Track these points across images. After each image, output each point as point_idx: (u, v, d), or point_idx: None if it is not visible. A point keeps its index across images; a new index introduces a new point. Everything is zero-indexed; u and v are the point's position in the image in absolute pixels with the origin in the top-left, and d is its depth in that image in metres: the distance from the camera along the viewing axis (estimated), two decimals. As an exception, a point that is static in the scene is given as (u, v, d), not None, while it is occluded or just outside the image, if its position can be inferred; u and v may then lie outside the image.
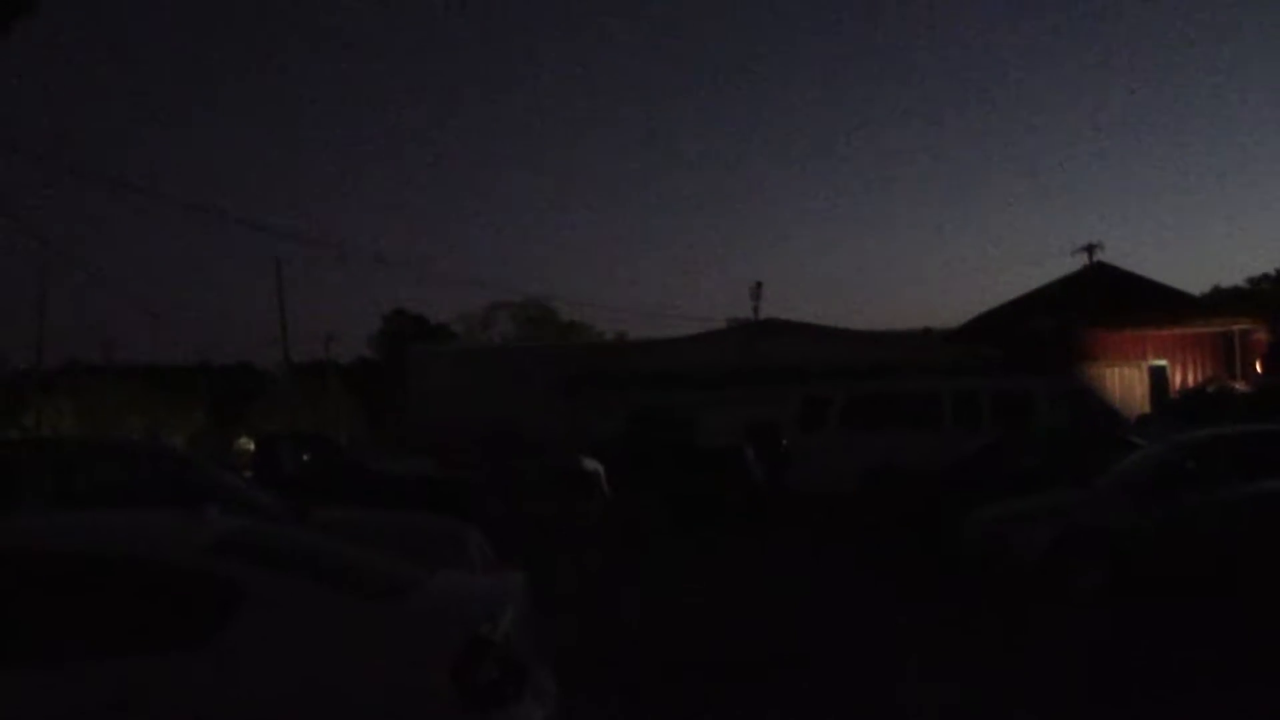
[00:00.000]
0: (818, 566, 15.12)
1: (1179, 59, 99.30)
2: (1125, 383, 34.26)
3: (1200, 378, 33.42)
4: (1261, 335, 33.82)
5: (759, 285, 45.36)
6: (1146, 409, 31.40)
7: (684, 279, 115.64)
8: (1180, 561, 11.38)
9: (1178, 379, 34.03)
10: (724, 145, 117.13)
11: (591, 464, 21.97)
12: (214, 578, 4.94)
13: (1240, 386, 29.96)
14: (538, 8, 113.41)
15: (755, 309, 44.60)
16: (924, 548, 15.04)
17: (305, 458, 19.99)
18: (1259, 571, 11.03)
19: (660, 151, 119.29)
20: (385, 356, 69.67)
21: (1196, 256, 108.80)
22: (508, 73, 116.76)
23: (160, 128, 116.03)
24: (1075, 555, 11.62)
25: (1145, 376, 34.30)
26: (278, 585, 5.02)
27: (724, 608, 12.21)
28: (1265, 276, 54.55)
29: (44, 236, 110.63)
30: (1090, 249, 40.76)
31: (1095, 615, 10.84)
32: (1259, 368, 33.09)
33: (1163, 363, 34.33)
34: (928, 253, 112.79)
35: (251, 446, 20.68)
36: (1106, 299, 36.29)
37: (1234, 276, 78.53)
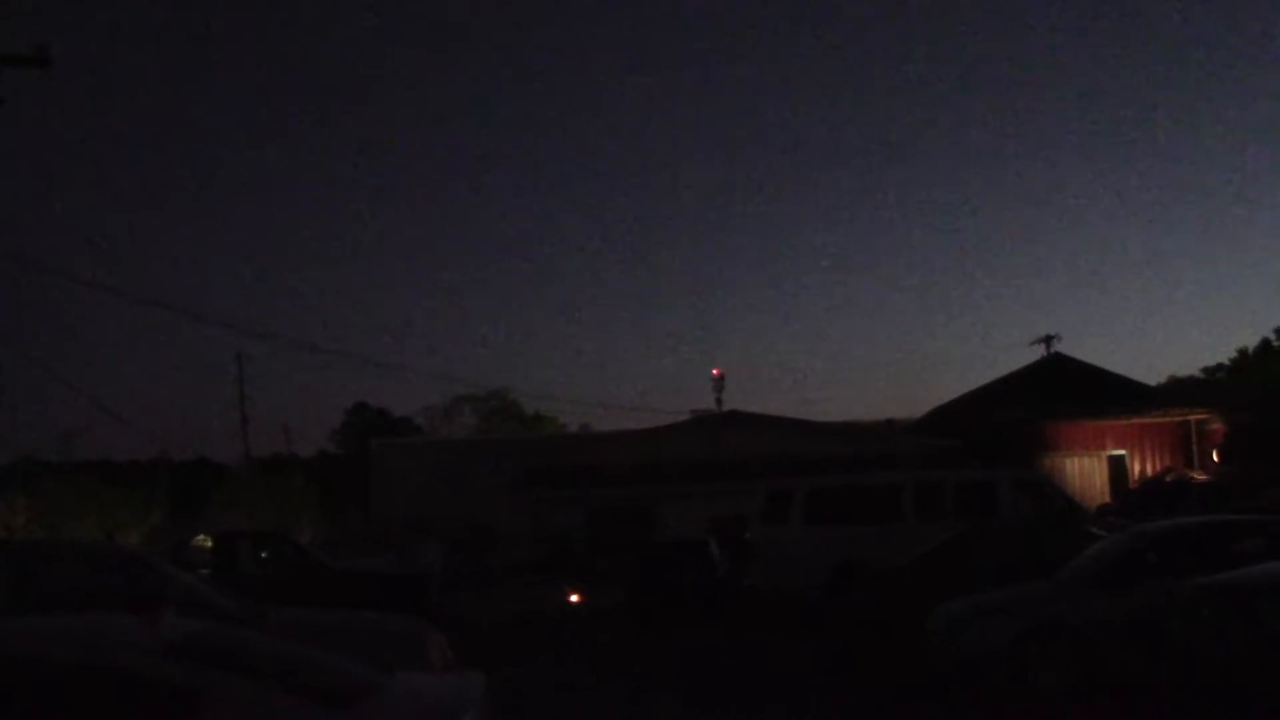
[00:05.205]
0: (780, 663, 15.01)
1: (1132, 153, 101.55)
2: (1085, 472, 34.52)
3: (1159, 467, 33.73)
4: (1218, 425, 34.23)
5: (721, 377, 45.37)
6: (1107, 499, 31.62)
7: (647, 371, 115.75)
8: (1142, 656, 11.36)
9: (1136, 469, 34.32)
10: (685, 238, 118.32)
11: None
12: (168, 683, 4.87)
13: (1198, 476, 30.28)
14: (495, 102, 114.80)
15: (718, 401, 44.65)
16: (888, 643, 14.96)
17: (264, 555, 19.71)
18: (1223, 667, 11.01)
19: (620, 244, 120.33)
20: (347, 450, 69.19)
21: (1152, 347, 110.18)
22: (468, 165, 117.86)
23: (116, 221, 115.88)
24: (1037, 650, 11.59)
25: (1105, 466, 34.58)
26: (234, 690, 4.96)
27: (686, 706, 12.08)
28: (1220, 366, 55.30)
29: None
30: (1048, 340, 41.31)
31: (1057, 712, 10.79)
32: (1216, 457, 33.44)
33: (1122, 452, 34.64)
34: (889, 344, 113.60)
35: (209, 544, 20.36)
36: (1065, 390, 36.71)
37: (1189, 367, 79.72)
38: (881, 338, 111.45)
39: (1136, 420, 34.69)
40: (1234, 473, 29.14)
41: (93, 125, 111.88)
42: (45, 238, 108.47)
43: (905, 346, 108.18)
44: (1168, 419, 34.83)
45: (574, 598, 22.42)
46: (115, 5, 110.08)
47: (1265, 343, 51.05)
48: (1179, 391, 46.56)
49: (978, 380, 55.02)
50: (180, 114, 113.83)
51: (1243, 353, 53.13)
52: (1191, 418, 34.55)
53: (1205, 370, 56.89)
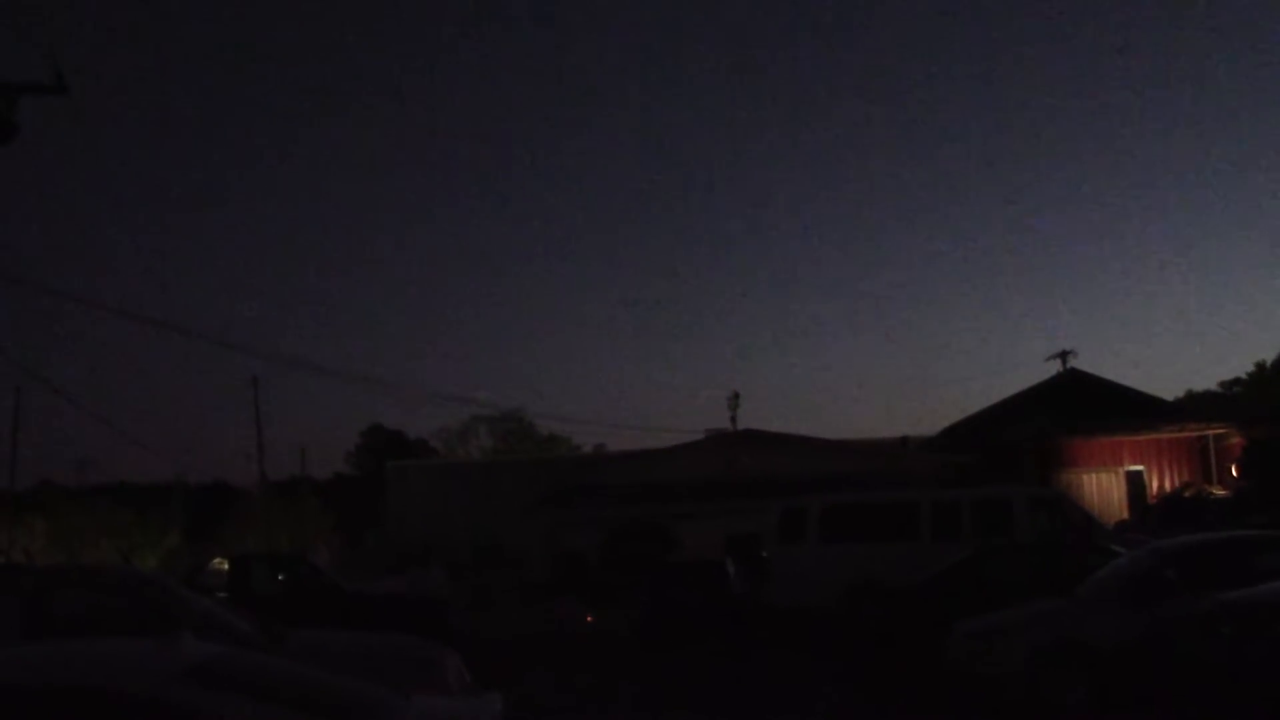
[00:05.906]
0: (800, 681, 14.96)
1: (1148, 166, 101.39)
2: (1103, 489, 34.33)
3: (1177, 483, 33.52)
4: (1236, 440, 34.01)
5: (736, 396, 45.23)
6: (1124, 515, 31.46)
7: (662, 391, 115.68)
8: (1160, 674, 11.28)
9: (1154, 484, 34.13)
10: (698, 257, 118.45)
11: None
12: (186, 708, 4.88)
13: (1217, 491, 30.11)
14: (504, 126, 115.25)
15: (733, 420, 44.52)
16: (906, 661, 14.92)
17: (280, 578, 19.73)
18: (1242, 684, 10.93)
19: (635, 263, 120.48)
20: (363, 472, 69.24)
21: (1168, 362, 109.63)
22: (481, 187, 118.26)
23: (133, 245, 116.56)
24: (1055, 668, 11.53)
25: (1122, 482, 34.38)
26: (251, 714, 4.96)
27: (694, 715, 12.05)
28: (1237, 380, 54.94)
29: (14, 355, 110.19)
30: (1064, 356, 41.13)
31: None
32: (1235, 472, 33.20)
33: (1139, 468, 34.45)
34: (904, 362, 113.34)
35: (225, 567, 20.37)
36: (1081, 406, 36.54)
37: (1206, 381, 79.23)
38: (896, 355, 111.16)
39: (1154, 436, 34.51)
40: (1253, 488, 28.95)
41: (108, 149, 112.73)
42: (62, 263, 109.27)
43: (920, 363, 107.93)
44: (1185, 434, 34.64)
45: (588, 618, 22.38)
46: (133, 29, 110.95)
47: (1283, 355, 50.67)
48: (1196, 406, 46.32)
49: (993, 397, 54.81)
50: (197, 137, 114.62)
51: (1260, 366, 52.78)
52: (1209, 432, 34.35)
53: (1223, 384, 56.55)
